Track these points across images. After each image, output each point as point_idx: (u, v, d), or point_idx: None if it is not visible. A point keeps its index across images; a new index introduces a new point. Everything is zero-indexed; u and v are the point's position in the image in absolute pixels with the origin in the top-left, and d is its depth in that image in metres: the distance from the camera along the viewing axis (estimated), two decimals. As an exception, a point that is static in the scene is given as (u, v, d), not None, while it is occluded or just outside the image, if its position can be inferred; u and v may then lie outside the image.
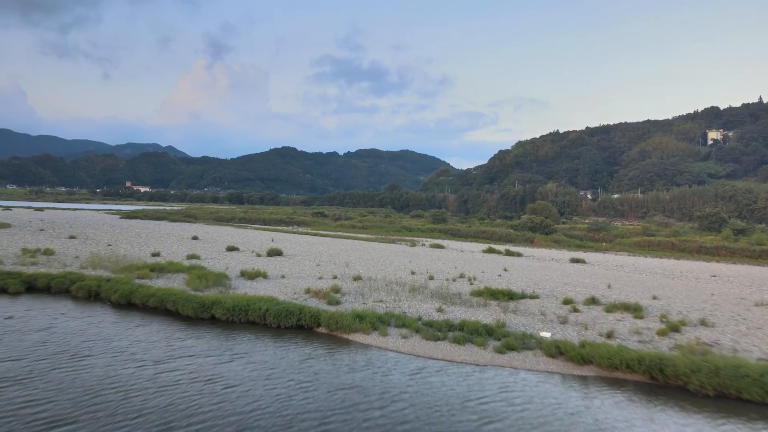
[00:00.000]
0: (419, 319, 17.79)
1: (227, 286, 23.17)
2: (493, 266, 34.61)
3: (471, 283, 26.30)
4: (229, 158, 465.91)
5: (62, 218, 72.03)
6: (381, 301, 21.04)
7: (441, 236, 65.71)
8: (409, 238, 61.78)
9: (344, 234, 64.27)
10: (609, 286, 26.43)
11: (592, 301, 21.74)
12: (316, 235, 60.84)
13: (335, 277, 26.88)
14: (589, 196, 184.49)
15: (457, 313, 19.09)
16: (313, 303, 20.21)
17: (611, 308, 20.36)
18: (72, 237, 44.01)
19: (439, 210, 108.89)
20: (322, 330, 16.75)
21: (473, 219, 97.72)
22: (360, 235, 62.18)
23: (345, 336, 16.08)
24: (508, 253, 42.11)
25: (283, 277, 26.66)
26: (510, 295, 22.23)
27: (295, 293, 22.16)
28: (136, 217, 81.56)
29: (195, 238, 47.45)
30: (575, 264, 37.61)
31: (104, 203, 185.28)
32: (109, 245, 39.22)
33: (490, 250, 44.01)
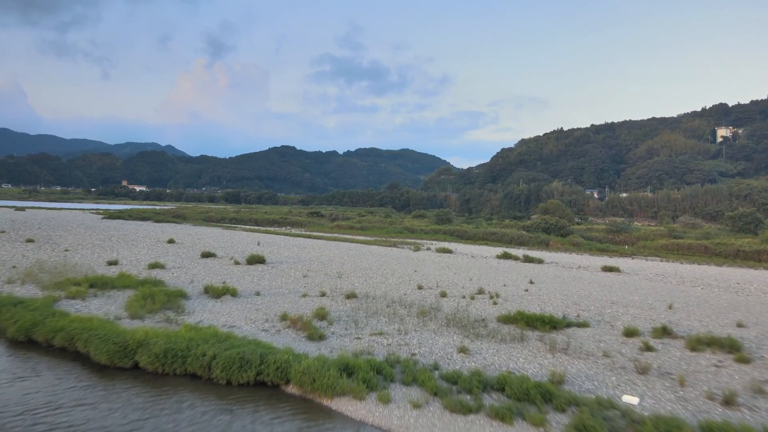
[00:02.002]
0: (436, 367, 12.31)
1: (180, 309, 17.71)
2: (515, 277, 29.10)
3: (494, 303, 20.81)
4: (227, 157, 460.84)
5: (38, 218, 66.61)
6: (380, 333, 15.56)
7: (446, 238, 60.18)
8: (412, 240, 56.29)
9: (341, 236, 58.76)
10: (670, 307, 20.88)
11: (664, 331, 16.22)
12: (309, 237, 55.33)
13: (323, 294, 21.41)
14: (595, 195, 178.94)
15: (487, 355, 13.62)
16: (288, 337, 14.75)
17: (695, 344, 14.84)
18: (30, 240, 38.62)
19: (444, 210, 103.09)
20: (292, 390, 11.23)
21: (479, 219, 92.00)
22: (358, 237, 56.68)
23: (326, 402, 10.57)
24: (527, 260, 36.60)
25: (257, 294, 21.19)
26: (552, 323, 16.72)
27: (266, 320, 16.69)
28: (119, 218, 76.26)
29: (171, 241, 42.01)
30: (609, 273, 32.08)
31: (97, 203, 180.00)
32: (67, 251, 33.80)
33: (506, 256, 38.48)
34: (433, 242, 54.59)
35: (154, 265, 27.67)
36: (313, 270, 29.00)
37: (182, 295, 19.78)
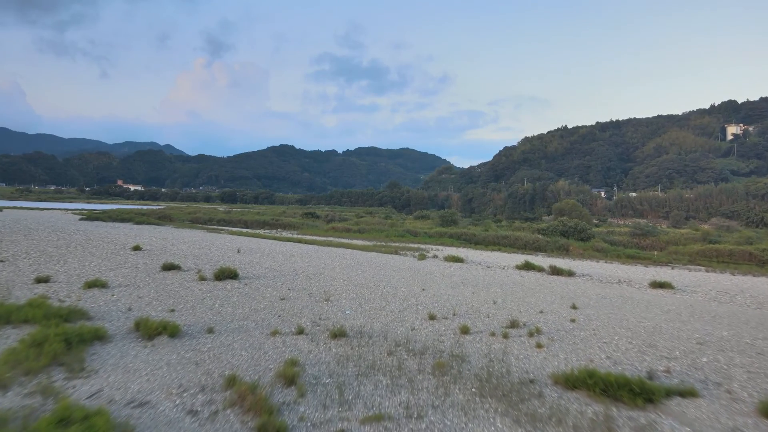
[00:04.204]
0: None
1: (77, 366, 11.78)
2: (549, 297, 23.22)
3: (539, 345, 14.90)
4: (226, 156, 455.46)
5: (7, 220, 61.02)
6: (379, 416, 9.65)
7: (453, 242, 54.33)
8: (415, 245, 50.41)
9: (336, 240, 52.89)
10: (787, 351, 14.97)
11: (825, 409, 10.31)
12: (300, 241, 49.42)
13: (301, 332, 15.52)
14: (603, 195, 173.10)
15: (565, 475, 7.73)
16: (226, 430, 8.88)
17: None
18: (-32, 248, 32.80)
19: (449, 210, 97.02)
20: None
21: (487, 221, 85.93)
22: (355, 242, 50.79)
23: None
24: (554, 272, 30.70)
25: (209, 331, 15.32)
26: (644, 392, 10.80)
27: (202, 388, 10.79)
28: (98, 219, 70.79)
29: (137, 248, 36.14)
30: (662, 291, 26.14)
31: (89, 202, 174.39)
32: (2, 261, 27.96)
33: (528, 266, 32.57)
34: (440, 247, 48.75)
35: (93, 284, 21.77)
36: (295, 288, 23.14)
37: (98, 336, 13.90)
